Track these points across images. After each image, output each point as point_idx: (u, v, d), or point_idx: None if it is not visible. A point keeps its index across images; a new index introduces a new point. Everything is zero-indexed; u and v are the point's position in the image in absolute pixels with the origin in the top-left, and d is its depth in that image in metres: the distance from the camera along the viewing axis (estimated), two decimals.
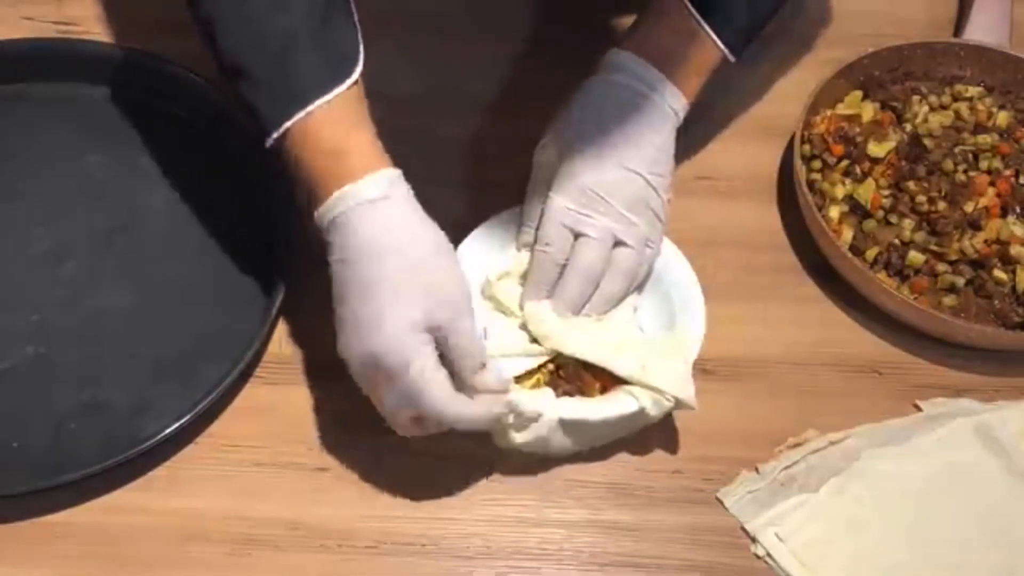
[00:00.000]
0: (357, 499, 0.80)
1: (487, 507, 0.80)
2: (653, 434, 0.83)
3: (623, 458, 0.83)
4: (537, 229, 0.83)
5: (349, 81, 0.75)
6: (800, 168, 0.92)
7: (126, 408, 0.82)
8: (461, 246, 0.84)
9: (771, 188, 0.97)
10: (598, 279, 0.82)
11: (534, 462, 0.82)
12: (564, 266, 0.82)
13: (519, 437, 0.79)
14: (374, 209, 0.73)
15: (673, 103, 0.84)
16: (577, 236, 0.82)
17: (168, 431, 0.78)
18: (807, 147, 0.95)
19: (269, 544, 0.78)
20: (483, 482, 0.81)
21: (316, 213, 0.75)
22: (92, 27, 1.02)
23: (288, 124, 0.74)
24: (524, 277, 0.84)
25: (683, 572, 0.79)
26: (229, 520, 0.79)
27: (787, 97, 0.99)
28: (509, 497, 0.81)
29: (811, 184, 0.93)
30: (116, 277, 0.88)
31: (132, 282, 0.88)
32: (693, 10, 0.85)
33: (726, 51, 0.86)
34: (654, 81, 0.84)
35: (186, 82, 0.95)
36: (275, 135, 0.75)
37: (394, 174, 0.75)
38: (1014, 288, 0.88)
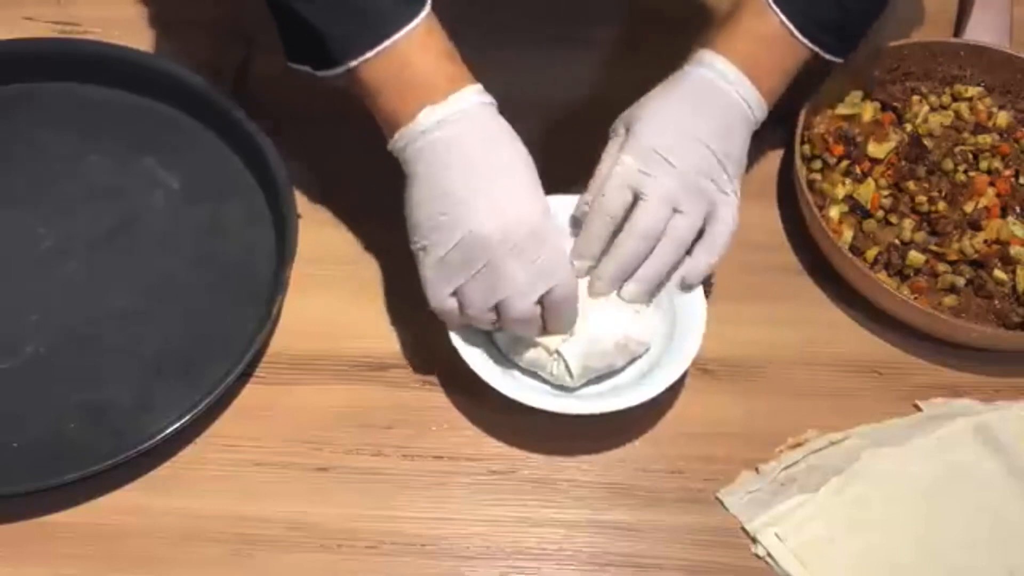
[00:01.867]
0: (357, 499, 0.80)
1: (487, 507, 0.81)
2: (653, 434, 0.83)
3: (623, 458, 0.83)
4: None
5: (425, 10, 0.77)
6: (800, 168, 0.92)
7: (126, 408, 0.82)
8: None
9: (771, 188, 0.97)
10: (654, 245, 0.80)
11: (536, 460, 0.82)
12: (614, 223, 0.80)
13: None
14: (483, 110, 0.78)
15: (749, 100, 0.83)
16: (636, 199, 0.80)
17: (168, 431, 0.78)
18: (807, 147, 0.95)
19: (269, 544, 0.78)
20: (483, 482, 0.81)
21: (402, 130, 0.78)
22: (92, 27, 1.02)
23: (369, 54, 0.76)
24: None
25: (683, 572, 0.79)
26: (229, 520, 0.79)
27: (787, 97, 0.99)
28: (509, 497, 0.81)
29: (811, 184, 0.93)
30: (116, 277, 0.88)
31: (132, 282, 0.88)
32: (775, 7, 0.83)
33: (814, 47, 0.84)
34: (732, 76, 0.83)
35: (186, 82, 0.95)
36: (352, 64, 0.77)
37: (477, 88, 0.78)
38: (1014, 288, 0.89)
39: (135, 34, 1.00)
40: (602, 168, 0.83)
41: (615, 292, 0.82)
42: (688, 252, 0.82)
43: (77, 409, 0.82)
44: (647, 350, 0.84)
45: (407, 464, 0.82)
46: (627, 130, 0.82)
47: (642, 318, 0.82)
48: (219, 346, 0.84)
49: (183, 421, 0.78)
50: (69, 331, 0.85)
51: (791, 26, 0.83)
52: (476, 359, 0.81)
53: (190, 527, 0.78)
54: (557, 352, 0.81)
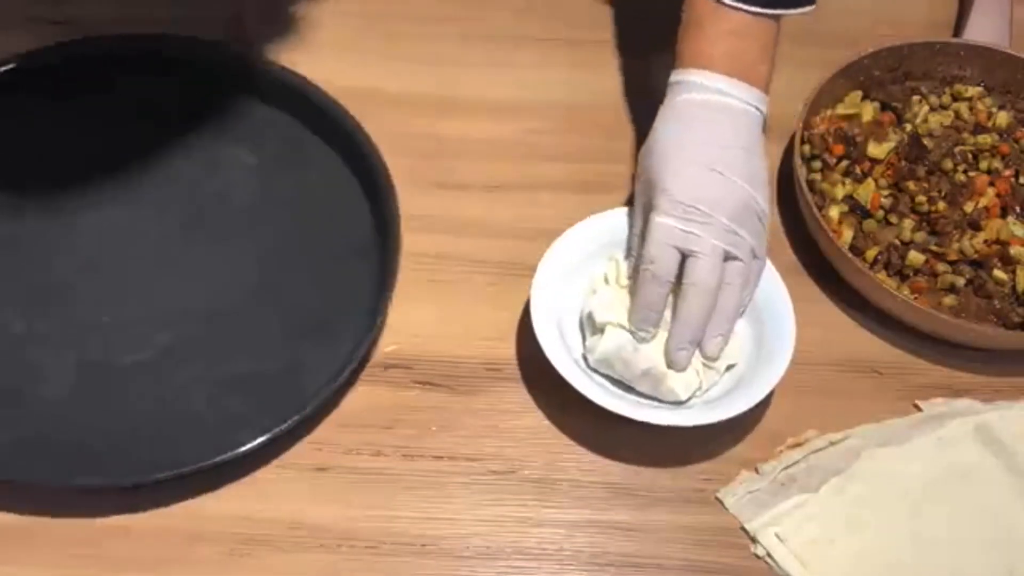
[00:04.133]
0: (357, 499, 0.80)
1: (487, 507, 0.81)
2: (653, 434, 0.83)
3: (623, 458, 0.83)
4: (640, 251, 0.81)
5: None
6: (800, 168, 0.92)
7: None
8: (549, 250, 0.85)
9: (771, 188, 0.97)
10: (715, 293, 0.80)
11: (534, 462, 0.82)
12: (669, 287, 0.80)
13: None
14: None
15: (751, 100, 0.82)
16: (684, 256, 0.79)
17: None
18: (807, 147, 0.95)
19: (269, 544, 0.78)
20: (483, 482, 0.81)
21: None
22: (92, 27, 1.02)
23: None
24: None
25: (683, 572, 0.79)
26: (229, 520, 0.79)
27: (787, 97, 0.98)
28: (509, 497, 0.81)
29: (811, 184, 0.93)
30: (219, 277, 0.88)
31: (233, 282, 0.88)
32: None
33: (778, 11, 0.83)
34: (722, 85, 0.82)
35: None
36: None
37: None
38: (1014, 288, 0.89)
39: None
40: (634, 227, 0.83)
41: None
42: None
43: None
44: (674, 401, 0.82)
45: (407, 464, 0.82)
46: (652, 186, 0.81)
47: (686, 377, 0.81)
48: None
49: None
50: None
51: (748, 7, 0.82)
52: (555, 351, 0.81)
53: (190, 527, 0.78)
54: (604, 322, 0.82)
